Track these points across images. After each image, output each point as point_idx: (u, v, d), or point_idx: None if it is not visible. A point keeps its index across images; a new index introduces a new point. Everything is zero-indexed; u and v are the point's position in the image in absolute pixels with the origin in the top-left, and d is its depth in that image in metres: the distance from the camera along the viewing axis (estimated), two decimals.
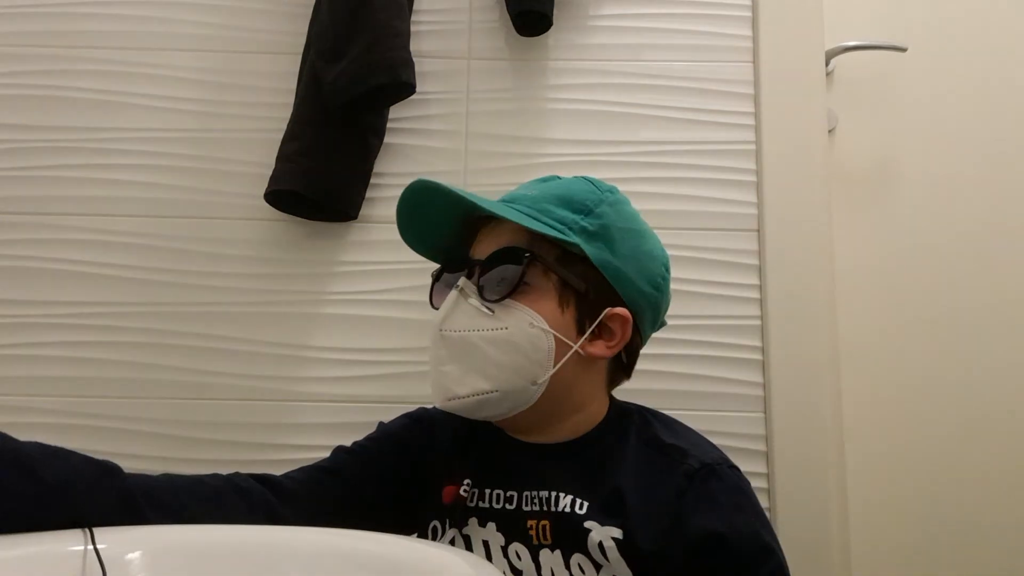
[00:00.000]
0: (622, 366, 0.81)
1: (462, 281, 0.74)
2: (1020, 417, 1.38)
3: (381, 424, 0.87)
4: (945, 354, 1.41)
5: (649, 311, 0.79)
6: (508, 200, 0.77)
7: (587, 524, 0.70)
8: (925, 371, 1.41)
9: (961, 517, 1.37)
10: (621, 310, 0.75)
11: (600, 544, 0.69)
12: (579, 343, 0.74)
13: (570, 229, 0.74)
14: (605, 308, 0.75)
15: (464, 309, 0.73)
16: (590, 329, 0.74)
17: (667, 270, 0.81)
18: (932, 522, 1.37)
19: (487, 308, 0.72)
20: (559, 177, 0.82)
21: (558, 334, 0.73)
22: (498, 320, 0.72)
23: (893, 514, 1.38)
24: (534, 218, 0.73)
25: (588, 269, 0.74)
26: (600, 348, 0.76)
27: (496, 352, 0.71)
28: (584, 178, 0.80)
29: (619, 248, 0.75)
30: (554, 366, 0.73)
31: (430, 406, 0.89)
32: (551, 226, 0.73)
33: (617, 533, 0.69)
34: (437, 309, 0.77)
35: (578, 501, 0.72)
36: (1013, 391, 1.39)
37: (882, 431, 1.39)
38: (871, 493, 1.36)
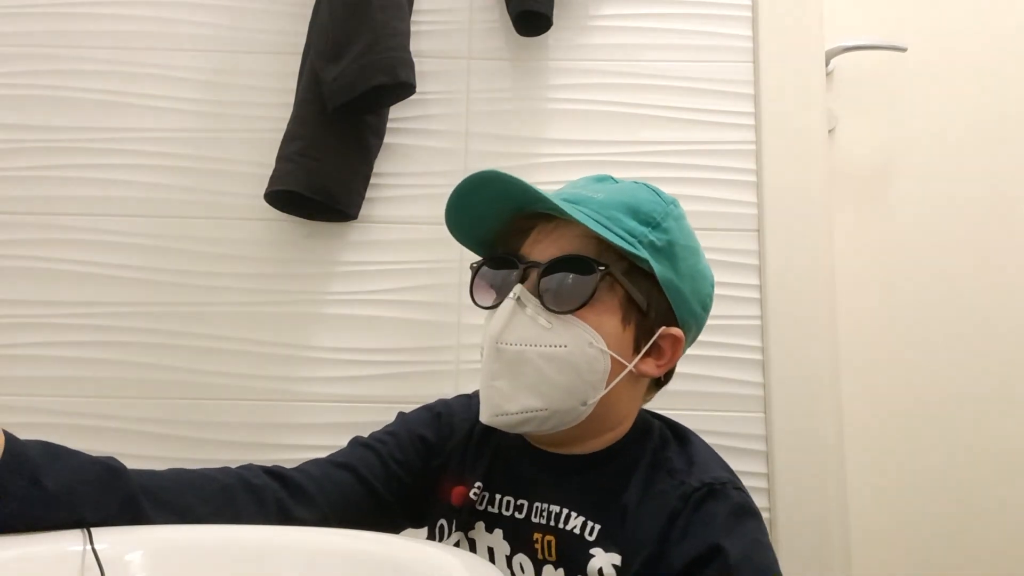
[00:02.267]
0: (657, 382, 0.78)
1: (519, 290, 0.69)
2: (1021, 416, 1.38)
3: (400, 415, 0.85)
4: (945, 354, 1.41)
5: (695, 330, 0.77)
6: (571, 201, 0.71)
7: (592, 550, 0.68)
8: (925, 371, 1.41)
9: (962, 517, 1.37)
10: (675, 330, 0.73)
11: (600, 571, 0.67)
12: (633, 363, 0.71)
13: (639, 243, 0.70)
14: (660, 327, 0.72)
15: (521, 321, 0.69)
16: (644, 348, 0.72)
17: (713, 288, 0.78)
18: (932, 522, 1.37)
19: (546, 321, 0.68)
20: (613, 178, 0.78)
21: (615, 354, 0.69)
22: (557, 336, 0.68)
23: (893, 514, 1.37)
24: (606, 227, 0.69)
25: (652, 286, 0.71)
26: (650, 367, 0.73)
27: (551, 370, 0.68)
28: (646, 185, 0.76)
29: (680, 266, 0.72)
30: (606, 387, 0.70)
31: (449, 398, 0.88)
32: (622, 237, 0.69)
33: (617, 560, 0.67)
34: (478, 304, 0.74)
35: (589, 524, 0.70)
36: (1014, 391, 1.39)
37: (882, 431, 1.39)
38: (871, 493, 1.36)
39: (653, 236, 0.71)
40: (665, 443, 0.75)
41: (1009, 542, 1.35)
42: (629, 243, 0.69)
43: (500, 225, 0.75)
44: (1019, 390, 1.39)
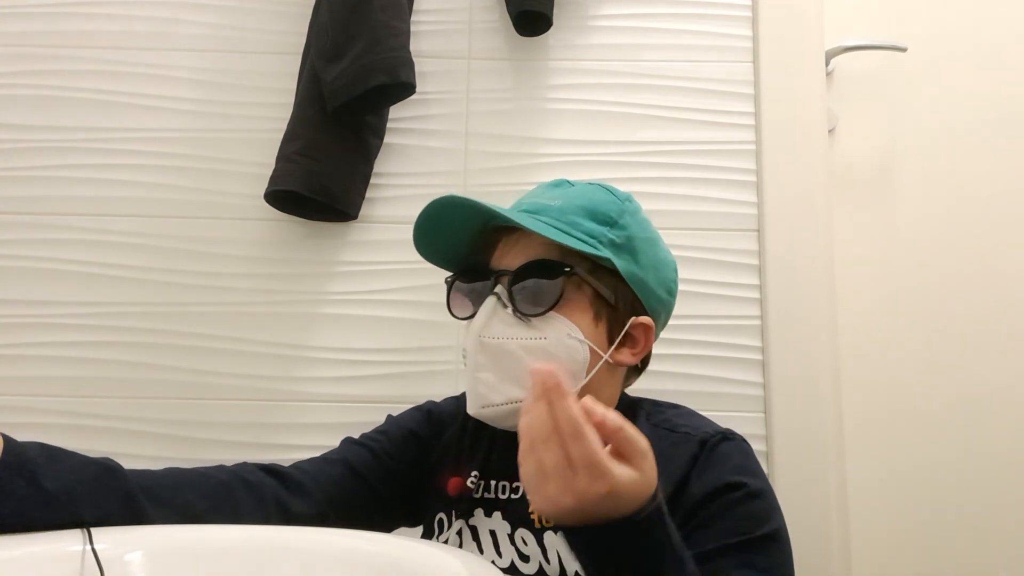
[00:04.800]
0: (635, 368, 0.82)
1: (500, 289, 0.74)
2: (1019, 413, 1.38)
3: (390, 417, 0.88)
4: (945, 353, 1.41)
5: (663, 316, 0.81)
6: (531, 211, 0.76)
7: None
8: (925, 371, 1.41)
9: (961, 516, 1.37)
10: (645, 319, 0.77)
11: None
12: (608, 353, 0.75)
13: (600, 243, 0.74)
14: (631, 317, 0.76)
15: (502, 317, 0.73)
16: (618, 339, 0.75)
17: (676, 274, 0.83)
18: (932, 520, 1.37)
19: (523, 318, 0.72)
20: (569, 182, 0.81)
21: (592, 345, 0.73)
22: (537, 329, 0.72)
23: (893, 512, 1.37)
24: (566, 232, 0.73)
25: (617, 281, 0.75)
26: (626, 356, 0.77)
27: (533, 361, 0.70)
28: (600, 185, 0.80)
29: (641, 258, 0.77)
30: (586, 376, 0.74)
31: (439, 400, 0.90)
32: (584, 241, 0.73)
33: None
34: (457, 317, 0.77)
35: None
36: (1012, 389, 1.39)
37: (882, 431, 1.39)
38: (871, 492, 1.36)
39: (612, 234, 0.75)
40: (658, 410, 0.80)
41: (1008, 535, 1.35)
42: (590, 244, 0.73)
43: (467, 241, 0.79)
44: (1019, 387, 1.39)
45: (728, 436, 0.74)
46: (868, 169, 1.49)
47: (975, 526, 1.36)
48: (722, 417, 1.10)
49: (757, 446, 1.10)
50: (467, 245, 0.80)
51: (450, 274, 0.80)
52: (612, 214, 0.76)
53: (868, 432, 1.37)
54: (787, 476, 1.09)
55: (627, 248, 0.75)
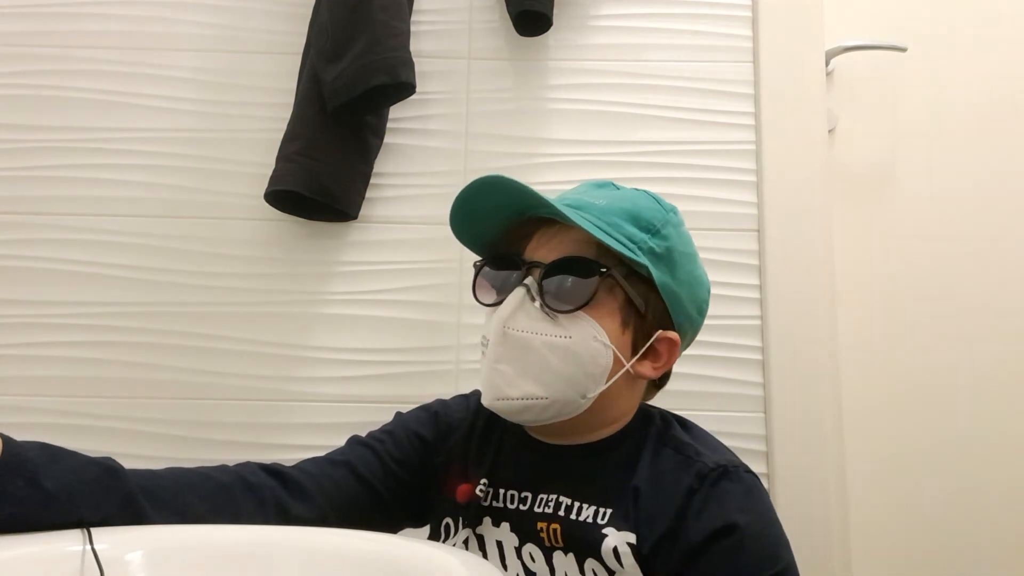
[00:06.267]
0: (655, 383, 0.81)
1: (530, 281, 0.72)
2: (1020, 416, 1.38)
3: (398, 415, 0.86)
4: (945, 354, 1.41)
5: (690, 334, 0.79)
6: (574, 206, 0.73)
7: (605, 530, 0.69)
8: (925, 371, 1.41)
9: (961, 516, 1.37)
10: (672, 334, 0.75)
11: (615, 550, 0.68)
12: (631, 362, 0.73)
13: (639, 249, 0.72)
14: (657, 330, 0.74)
15: (528, 310, 0.71)
16: (642, 350, 0.74)
17: (709, 295, 0.81)
18: (932, 521, 1.37)
19: (551, 314, 0.71)
20: (615, 185, 0.80)
21: (616, 351, 0.72)
22: (563, 328, 0.70)
23: (893, 513, 1.37)
24: (606, 232, 0.71)
25: (649, 290, 0.73)
26: (647, 369, 0.75)
27: (555, 359, 0.70)
28: (647, 193, 0.79)
29: (678, 272, 0.75)
30: (606, 382, 0.72)
31: (448, 398, 0.89)
32: (623, 243, 0.72)
33: (632, 538, 0.68)
34: (480, 301, 0.76)
35: (601, 511, 0.71)
36: (1013, 391, 1.39)
37: (882, 430, 1.39)
38: (871, 492, 1.36)
39: (653, 243, 0.73)
40: (668, 425, 0.78)
41: (1009, 539, 1.35)
42: (629, 249, 0.71)
43: (500, 228, 0.77)
44: (1020, 389, 1.39)
45: (729, 469, 0.71)
46: (868, 169, 1.49)
47: (976, 524, 1.36)
48: (722, 417, 1.12)
49: (757, 446, 1.11)
50: (497, 231, 0.78)
51: (479, 258, 0.79)
52: (655, 222, 0.74)
53: (868, 432, 1.37)
54: (787, 476, 1.09)
55: (665, 259, 0.74)
